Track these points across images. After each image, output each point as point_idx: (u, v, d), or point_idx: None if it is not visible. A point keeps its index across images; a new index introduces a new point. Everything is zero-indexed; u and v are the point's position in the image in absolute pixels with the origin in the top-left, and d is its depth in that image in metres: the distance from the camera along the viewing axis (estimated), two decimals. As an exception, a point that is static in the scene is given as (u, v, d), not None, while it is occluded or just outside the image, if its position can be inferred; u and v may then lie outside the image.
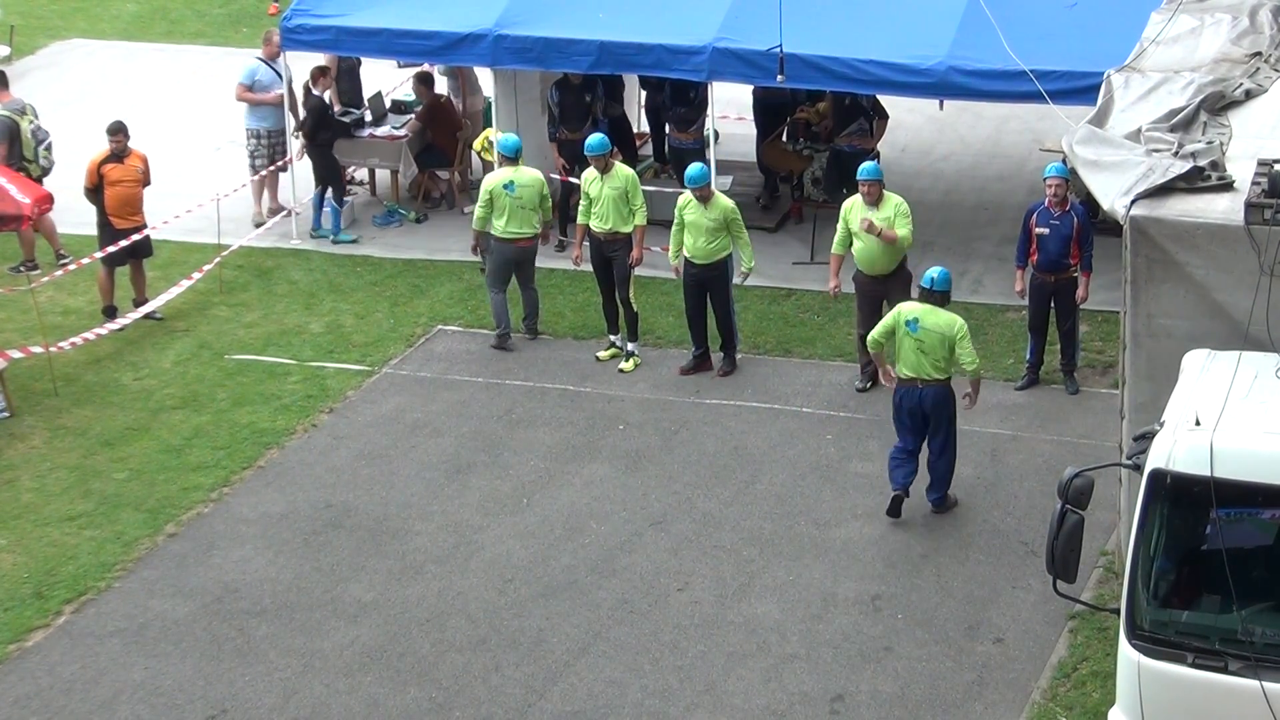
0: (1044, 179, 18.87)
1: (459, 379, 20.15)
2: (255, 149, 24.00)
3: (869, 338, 17.49)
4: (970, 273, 21.60)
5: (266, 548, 17.25)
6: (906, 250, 19.11)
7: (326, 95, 23.78)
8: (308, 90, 23.60)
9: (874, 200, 18.93)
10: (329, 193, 23.70)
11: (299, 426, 19.31)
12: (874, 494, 17.62)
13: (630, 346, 20.14)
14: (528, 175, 20.41)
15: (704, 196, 19.37)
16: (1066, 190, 18.52)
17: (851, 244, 19.17)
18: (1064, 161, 17.76)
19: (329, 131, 23.67)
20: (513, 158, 20.48)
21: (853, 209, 19.10)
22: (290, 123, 23.86)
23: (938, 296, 16.99)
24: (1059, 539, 12.22)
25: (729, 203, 19.51)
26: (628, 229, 20.04)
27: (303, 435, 19.17)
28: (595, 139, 20.23)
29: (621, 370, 19.96)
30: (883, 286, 19.13)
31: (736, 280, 19.82)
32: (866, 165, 19.23)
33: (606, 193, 20.00)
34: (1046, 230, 18.69)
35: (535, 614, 16.10)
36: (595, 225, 20.16)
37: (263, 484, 18.32)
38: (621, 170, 20.18)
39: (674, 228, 19.68)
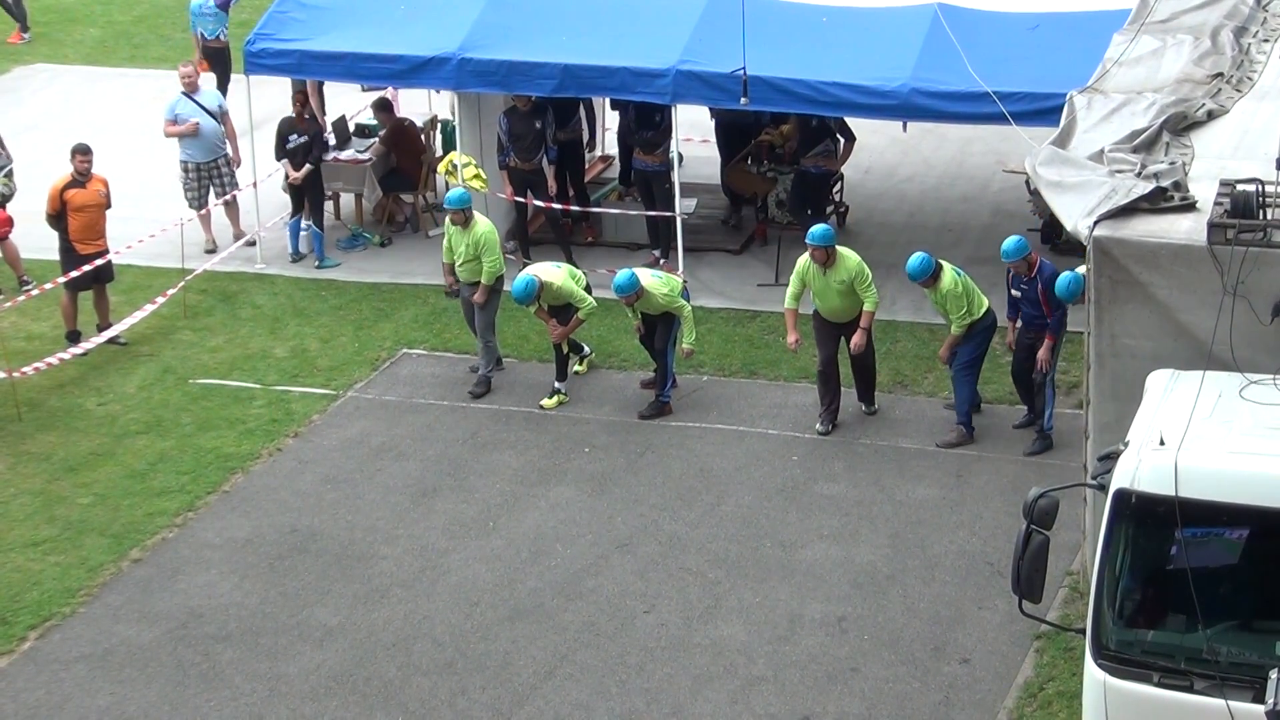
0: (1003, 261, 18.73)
1: (424, 402, 20.11)
2: (186, 182, 23.96)
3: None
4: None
5: (231, 572, 17.18)
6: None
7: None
8: (300, 116, 23.55)
9: (824, 262, 18.83)
10: (302, 218, 23.68)
11: (264, 451, 19.26)
12: (840, 515, 17.63)
13: (558, 385, 20.07)
14: (477, 233, 20.18)
15: (630, 302, 19.46)
16: (1027, 261, 18.38)
17: (805, 292, 19.11)
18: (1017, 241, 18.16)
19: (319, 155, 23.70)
20: (460, 209, 20.26)
21: (808, 271, 18.95)
22: (230, 152, 23.89)
23: (928, 278, 18.52)
24: (1024, 559, 12.20)
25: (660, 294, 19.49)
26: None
27: (267, 460, 19.12)
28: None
29: (541, 406, 19.91)
30: (843, 328, 19.13)
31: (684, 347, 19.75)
32: (815, 230, 18.91)
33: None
34: (1019, 293, 18.66)
35: (502, 637, 16.07)
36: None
37: (227, 509, 18.26)
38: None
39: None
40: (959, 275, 18.65)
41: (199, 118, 23.75)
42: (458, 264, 20.30)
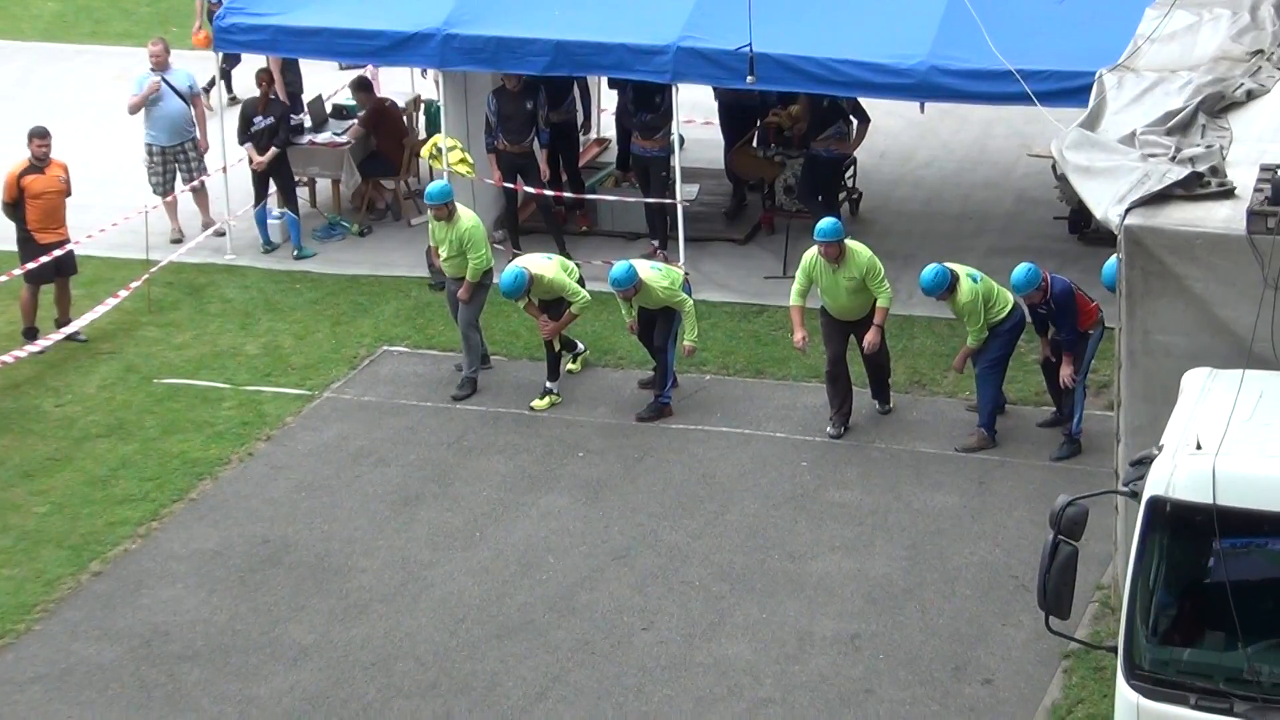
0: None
1: (406, 403, 20.09)
2: (150, 167, 23.96)
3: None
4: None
5: (199, 587, 17.15)
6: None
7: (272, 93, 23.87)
8: (265, 97, 23.57)
9: (835, 259, 18.79)
10: (271, 204, 23.67)
11: (234, 456, 19.23)
12: (853, 524, 17.60)
13: (550, 385, 20.06)
14: (461, 227, 20.08)
15: (628, 296, 19.46)
16: (1040, 290, 18.31)
17: (812, 290, 19.08)
18: (1028, 270, 18.13)
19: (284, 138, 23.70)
20: (442, 204, 20.18)
21: (816, 267, 18.94)
22: (199, 136, 23.91)
23: (944, 292, 18.47)
24: (1051, 572, 12.19)
25: (660, 286, 19.42)
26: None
27: (238, 465, 19.09)
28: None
29: (532, 407, 19.89)
30: (853, 325, 19.10)
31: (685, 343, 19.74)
32: (824, 225, 18.82)
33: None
34: (1043, 312, 18.61)
35: (489, 656, 16.04)
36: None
37: (195, 518, 18.23)
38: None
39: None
40: (976, 282, 18.57)
41: (167, 95, 23.72)
42: (442, 259, 20.26)
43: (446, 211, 20.05)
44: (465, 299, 20.05)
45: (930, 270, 18.53)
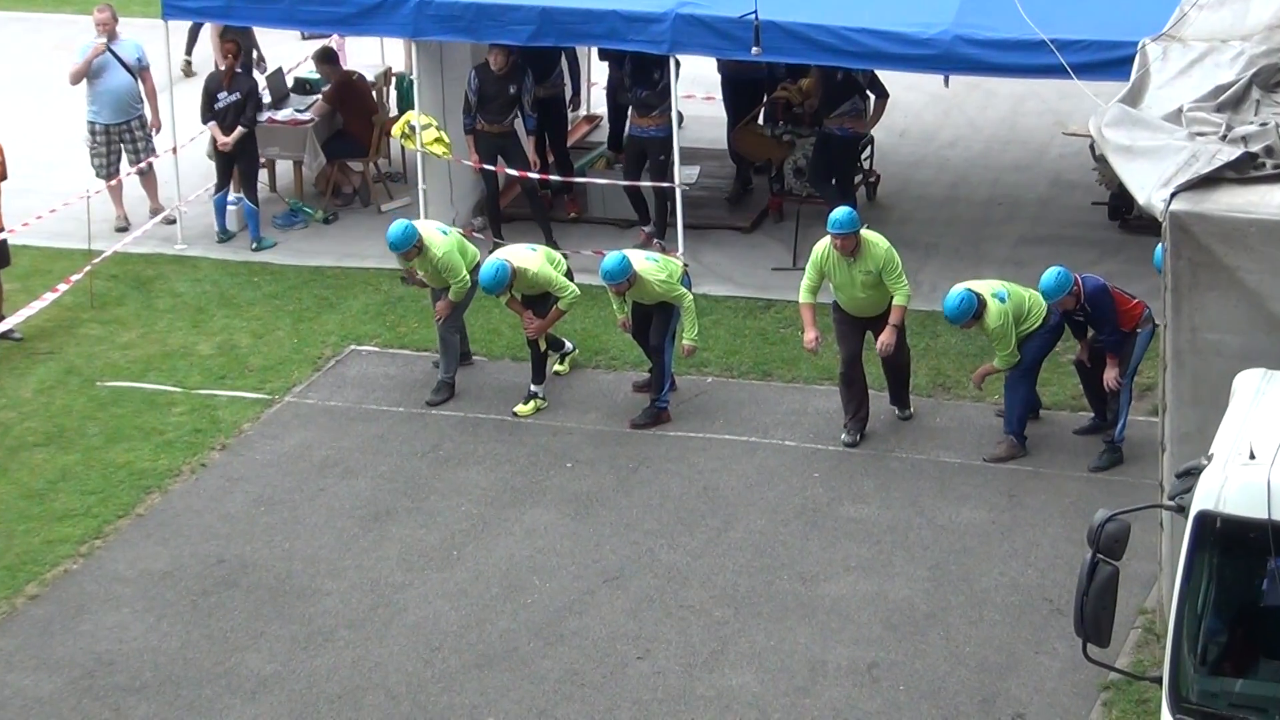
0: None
1: (376, 409, 20.11)
2: (93, 147, 23.94)
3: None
4: (982, 279, 21.58)
5: (147, 611, 17.16)
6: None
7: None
8: (231, 71, 23.57)
9: (851, 252, 18.83)
10: (230, 190, 23.71)
11: (185, 467, 19.25)
12: (869, 542, 17.62)
13: (535, 388, 20.09)
14: (433, 257, 19.88)
15: (621, 290, 19.46)
16: (1073, 295, 18.31)
17: (823, 286, 19.10)
18: (1058, 276, 18.10)
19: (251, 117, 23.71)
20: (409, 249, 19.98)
21: (828, 260, 18.95)
22: (148, 114, 23.90)
23: (970, 320, 18.47)
24: (1089, 595, 12.19)
25: (655, 281, 19.44)
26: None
27: (190, 477, 19.11)
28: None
29: (515, 413, 19.93)
30: (869, 322, 19.12)
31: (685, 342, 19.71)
32: (838, 214, 18.83)
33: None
34: (1081, 319, 18.63)
35: (468, 688, 16.06)
36: (428, 282, 20.36)
37: (142, 535, 18.24)
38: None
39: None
40: (1004, 301, 18.47)
41: (112, 67, 23.70)
42: (421, 275, 20.25)
43: (415, 250, 19.91)
44: (442, 317, 19.94)
45: (954, 296, 18.48)
